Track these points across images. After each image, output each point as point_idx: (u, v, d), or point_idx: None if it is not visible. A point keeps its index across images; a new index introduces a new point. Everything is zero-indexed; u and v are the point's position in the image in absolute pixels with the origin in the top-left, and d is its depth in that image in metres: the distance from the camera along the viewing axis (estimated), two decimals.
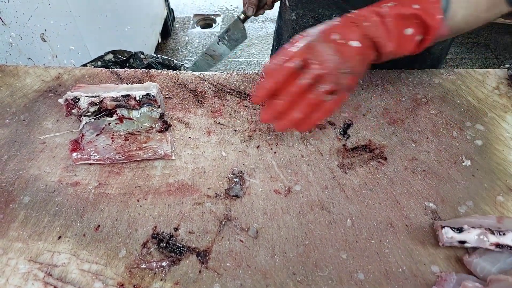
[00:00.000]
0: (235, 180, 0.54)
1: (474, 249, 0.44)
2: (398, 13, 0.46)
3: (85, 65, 1.01)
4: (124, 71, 0.69)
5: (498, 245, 0.42)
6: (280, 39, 0.92)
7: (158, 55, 1.09)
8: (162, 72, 0.69)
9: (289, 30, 0.82)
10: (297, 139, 0.59)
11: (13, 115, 0.62)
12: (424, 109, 0.62)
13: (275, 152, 0.57)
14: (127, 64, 1.07)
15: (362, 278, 0.44)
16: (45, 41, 1.06)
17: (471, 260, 0.43)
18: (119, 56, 1.05)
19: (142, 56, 1.08)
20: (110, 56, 1.02)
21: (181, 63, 1.03)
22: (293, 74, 0.46)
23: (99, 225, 0.49)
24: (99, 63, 1.03)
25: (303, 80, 0.45)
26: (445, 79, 0.66)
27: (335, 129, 0.60)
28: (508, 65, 0.69)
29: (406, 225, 0.48)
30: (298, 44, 0.47)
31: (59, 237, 0.48)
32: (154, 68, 1.06)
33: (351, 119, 0.61)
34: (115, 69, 0.70)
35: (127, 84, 0.66)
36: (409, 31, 0.47)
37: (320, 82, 0.46)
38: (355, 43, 0.46)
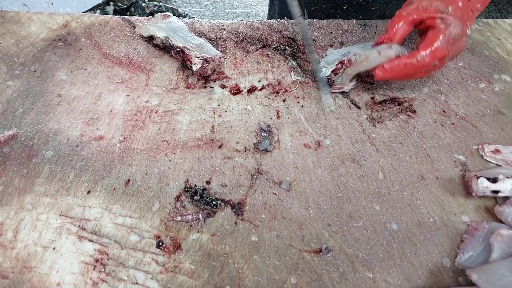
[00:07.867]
0: (263, 134, 0.53)
1: (505, 199, 0.45)
2: None
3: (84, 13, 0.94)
4: (136, 19, 0.64)
5: None
6: None
7: (161, 3, 1.02)
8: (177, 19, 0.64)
9: None
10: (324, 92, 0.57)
11: (22, 66, 0.58)
12: (452, 61, 0.60)
13: (302, 106, 0.56)
14: (128, 13, 1.01)
15: (396, 228, 0.45)
16: None
17: (502, 210, 0.44)
18: (119, 4, 0.98)
19: (143, 4, 1.01)
20: (111, 8, 0.95)
21: (186, 12, 0.96)
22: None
23: (129, 180, 0.48)
24: (98, 11, 0.96)
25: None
26: (473, 30, 0.64)
27: (361, 81, 0.58)
28: None
29: (437, 177, 0.49)
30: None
31: (89, 192, 0.47)
32: None
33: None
34: (126, 17, 0.65)
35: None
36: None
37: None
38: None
